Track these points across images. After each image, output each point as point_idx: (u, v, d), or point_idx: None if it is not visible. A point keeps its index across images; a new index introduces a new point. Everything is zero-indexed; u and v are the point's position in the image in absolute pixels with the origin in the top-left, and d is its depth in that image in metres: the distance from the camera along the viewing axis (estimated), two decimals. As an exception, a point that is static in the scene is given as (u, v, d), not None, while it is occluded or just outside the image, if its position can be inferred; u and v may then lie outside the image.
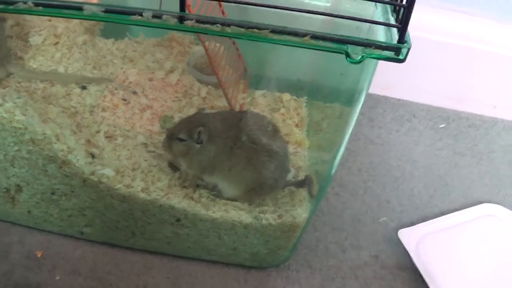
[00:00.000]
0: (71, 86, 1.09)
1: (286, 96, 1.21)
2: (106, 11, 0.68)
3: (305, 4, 0.97)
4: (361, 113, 0.85)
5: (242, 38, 0.70)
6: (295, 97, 1.22)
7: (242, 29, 0.67)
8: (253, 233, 0.99)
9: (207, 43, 0.98)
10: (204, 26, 0.68)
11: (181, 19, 0.68)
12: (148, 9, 0.67)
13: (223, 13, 1.02)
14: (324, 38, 0.67)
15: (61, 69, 1.11)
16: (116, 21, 0.71)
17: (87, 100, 1.09)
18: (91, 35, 1.20)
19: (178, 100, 1.14)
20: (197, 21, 0.67)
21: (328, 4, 0.91)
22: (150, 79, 1.16)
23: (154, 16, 0.67)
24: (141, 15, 0.67)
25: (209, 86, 1.17)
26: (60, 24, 1.15)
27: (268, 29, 0.67)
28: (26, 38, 1.14)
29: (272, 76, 1.21)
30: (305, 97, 1.22)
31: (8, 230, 1.10)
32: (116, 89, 1.12)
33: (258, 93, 1.20)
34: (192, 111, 1.11)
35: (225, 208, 0.98)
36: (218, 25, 0.67)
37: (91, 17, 0.70)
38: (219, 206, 0.98)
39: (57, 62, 1.12)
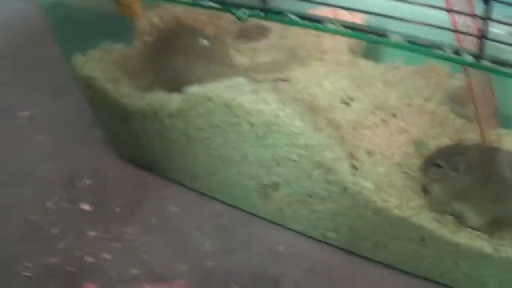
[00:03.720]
0: (335, 101, 1.32)
1: None
2: (410, 42, 0.86)
3: None
4: None
5: None
6: None
7: None
8: (490, 263, 1.11)
9: (470, 78, 1.18)
10: (498, 67, 0.83)
11: (478, 58, 0.83)
12: (448, 45, 0.84)
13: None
14: None
15: (326, 84, 1.36)
16: (421, 53, 0.92)
17: (350, 116, 1.29)
18: (354, 55, 1.44)
19: (433, 128, 1.30)
20: (493, 61, 0.83)
21: None
22: (408, 105, 1.35)
23: (454, 52, 0.85)
24: (441, 49, 0.85)
25: (463, 119, 1.33)
26: (327, 41, 1.39)
27: None
28: (292, 50, 1.40)
29: None
30: None
31: (253, 222, 1.32)
32: (376, 109, 1.33)
33: (503, 131, 1.33)
34: (445, 140, 1.26)
35: (469, 236, 1.12)
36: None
37: (396, 46, 0.88)
38: (464, 233, 1.12)
39: (322, 76, 1.37)
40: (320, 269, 1.24)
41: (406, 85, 1.37)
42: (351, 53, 1.42)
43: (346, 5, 1.07)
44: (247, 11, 0.96)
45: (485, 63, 0.83)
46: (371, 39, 0.92)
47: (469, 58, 0.84)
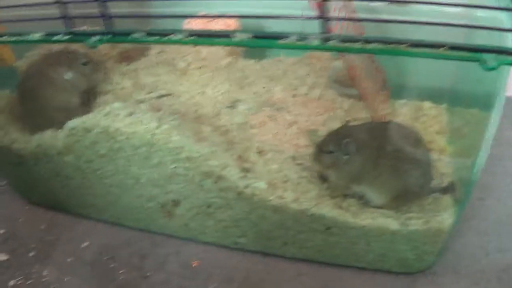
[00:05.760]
0: (220, 107, 1.31)
1: (427, 104, 1.34)
2: (255, 37, 0.85)
3: (436, 12, 1.13)
4: (504, 116, 0.98)
5: (383, 54, 0.87)
6: (435, 104, 1.34)
7: (382, 45, 0.79)
8: (400, 239, 1.11)
9: (346, 57, 1.17)
10: (348, 45, 0.81)
11: (326, 40, 0.82)
12: (293, 33, 0.82)
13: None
14: (459, 48, 0.77)
15: (208, 91, 1.34)
16: (265, 45, 0.91)
17: (236, 118, 1.28)
18: (234, 58, 1.42)
19: (322, 114, 1.29)
20: (341, 40, 0.81)
21: (459, 10, 1.06)
22: (294, 96, 1.34)
23: (299, 39, 0.83)
24: (287, 38, 0.83)
25: (351, 99, 1.32)
26: (204, 49, 1.38)
27: (407, 43, 0.78)
28: (172, 63, 1.38)
29: (412, 85, 1.33)
30: (445, 104, 1.34)
31: (165, 242, 1.30)
32: (262, 107, 1.31)
33: (400, 102, 1.33)
34: (336, 124, 1.25)
35: (373, 215, 1.11)
36: (360, 42, 0.80)
37: (240, 43, 0.86)
38: (367, 214, 1.11)
39: (204, 84, 1.36)
40: (238, 276, 1.23)
41: (289, 77, 1.37)
42: (230, 56, 1.40)
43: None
44: (96, 38, 0.94)
45: (332, 43, 0.82)
46: (216, 43, 0.93)
47: (316, 42, 0.83)
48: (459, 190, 1.13)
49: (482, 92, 1.04)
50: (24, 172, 1.32)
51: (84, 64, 1.31)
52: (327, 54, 1.43)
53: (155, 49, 1.42)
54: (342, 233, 1.14)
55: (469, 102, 1.20)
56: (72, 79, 1.28)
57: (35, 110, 1.28)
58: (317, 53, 1.42)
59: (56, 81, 1.28)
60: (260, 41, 0.86)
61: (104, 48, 1.45)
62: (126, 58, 1.43)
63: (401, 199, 1.14)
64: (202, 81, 1.35)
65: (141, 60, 1.43)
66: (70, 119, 1.18)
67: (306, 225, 1.14)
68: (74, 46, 1.33)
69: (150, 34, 0.90)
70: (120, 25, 0.92)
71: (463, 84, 1.24)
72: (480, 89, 1.06)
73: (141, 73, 1.39)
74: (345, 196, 1.16)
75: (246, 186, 1.12)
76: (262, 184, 1.13)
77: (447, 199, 1.14)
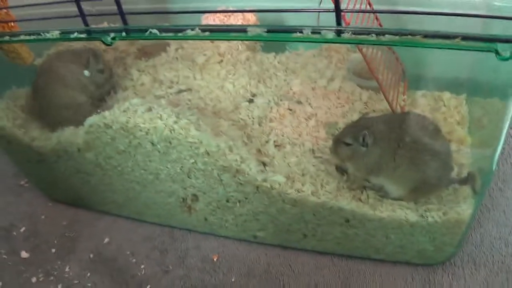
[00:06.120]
0: (239, 101, 1.31)
1: (446, 95, 1.33)
2: (268, 31, 0.85)
3: (454, 3, 1.13)
4: None
5: (397, 45, 0.86)
6: (454, 95, 1.33)
7: (397, 37, 0.79)
8: (419, 231, 1.11)
9: (364, 50, 1.16)
10: (361, 37, 0.81)
11: (339, 33, 0.82)
12: (307, 26, 0.82)
13: (377, 19, 1.21)
14: (473, 38, 0.77)
15: (227, 86, 1.35)
16: (279, 39, 0.90)
17: (255, 112, 1.28)
18: (252, 52, 1.42)
19: (341, 107, 1.29)
20: (354, 33, 0.81)
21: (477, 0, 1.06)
22: (313, 89, 1.33)
23: (313, 32, 0.83)
24: (301, 32, 0.83)
25: (370, 91, 1.31)
26: (223, 43, 1.38)
27: (421, 34, 0.78)
28: (191, 58, 1.39)
29: (431, 76, 1.33)
30: (465, 95, 1.33)
31: (185, 236, 1.31)
32: (281, 100, 1.32)
33: (418, 93, 1.32)
34: (355, 116, 1.25)
35: (392, 207, 1.11)
36: (373, 35, 0.80)
37: (255, 38, 0.87)
38: (386, 206, 1.11)
39: (223, 79, 1.37)
40: (258, 270, 1.23)
41: (308, 70, 1.37)
42: (249, 50, 1.40)
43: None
44: (112, 35, 0.95)
45: (346, 35, 0.82)
46: (230, 38, 0.92)
47: (330, 35, 0.83)
48: (478, 181, 1.12)
49: (501, 81, 1.03)
50: (45, 169, 1.33)
51: (100, 71, 1.33)
52: (345, 46, 1.43)
53: (174, 45, 1.42)
54: (361, 226, 1.13)
55: (488, 92, 1.19)
56: (85, 77, 1.29)
57: (47, 107, 1.28)
58: (336, 46, 1.42)
59: (67, 79, 1.28)
60: (274, 35, 0.86)
61: (122, 44, 1.46)
62: (145, 54, 1.44)
63: (420, 191, 1.13)
64: (221, 76, 1.35)
65: (160, 55, 1.43)
66: (84, 117, 1.19)
67: (325, 217, 1.14)
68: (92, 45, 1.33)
69: (164, 30, 0.91)
70: (141, 21, 0.93)
71: (482, 74, 1.23)
72: (499, 79, 1.05)
73: (160, 69, 1.40)
74: (364, 188, 1.15)
75: (265, 180, 1.12)
76: (280, 178, 1.13)
77: (466, 190, 1.13)
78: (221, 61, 1.37)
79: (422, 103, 1.30)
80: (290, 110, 1.30)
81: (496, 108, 1.10)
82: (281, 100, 1.32)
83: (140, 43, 1.45)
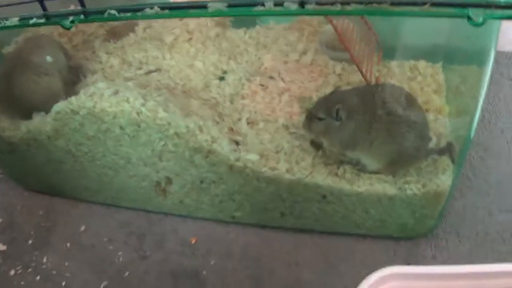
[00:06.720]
0: (209, 79, 1.28)
1: (422, 64, 1.30)
2: (229, 6, 0.81)
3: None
4: (499, 74, 0.94)
5: (363, 14, 0.83)
6: (430, 63, 1.31)
7: (362, 6, 0.75)
8: (398, 204, 1.09)
9: (335, 21, 1.13)
10: (325, 8, 0.78)
11: (302, 4, 0.78)
12: None
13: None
14: (443, 4, 0.73)
15: (197, 64, 1.31)
16: (240, 14, 0.87)
17: (226, 90, 1.25)
18: (222, 28, 1.38)
19: (314, 80, 1.27)
20: (317, 3, 0.77)
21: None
22: (285, 63, 1.31)
23: (276, 4, 0.79)
24: (263, 5, 0.79)
25: (344, 63, 1.29)
26: (191, 21, 1.35)
27: (386, 2, 0.74)
28: (160, 37, 1.35)
29: (406, 45, 1.29)
30: (441, 63, 1.30)
31: (161, 220, 1.28)
32: (253, 76, 1.28)
33: (393, 63, 1.30)
34: (329, 89, 1.22)
35: (370, 181, 1.09)
36: (338, 4, 0.76)
37: (216, 14, 0.82)
38: (364, 180, 1.09)
39: (193, 57, 1.33)
40: (237, 250, 1.21)
41: (280, 44, 1.34)
42: (219, 26, 1.37)
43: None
44: (70, 19, 0.92)
45: (310, 7, 0.78)
46: (190, 15, 0.88)
47: (293, 7, 0.79)
48: (456, 150, 1.10)
49: (477, 48, 1.01)
50: (17, 159, 1.30)
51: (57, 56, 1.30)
52: (317, 19, 1.39)
53: (142, 24, 1.39)
54: (339, 201, 1.12)
55: (465, 59, 1.17)
56: (48, 62, 1.25)
57: (19, 96, 1.25)
58: (308, 18, 1.39)
59: (32, 65, 1.25)
60: (235, 10, 0.82)
61: (91, 26, 1.42)
62: (114, 35, 1.40)
63: (398, 163, 1.11)
64: (190, 54, 1.32)
65: (129, 36, 1.40)
66: (51, 103, 1.16)
67: (301, 195, 1.12)
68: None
69: (122, 10, 0.88)
70: (108, 2, 0.89)
71: (458, 40, 1.20)
72: (474, 45, 1.02)
73: (128, 50, 1.36)
74: (341, 163, 1.13)
75: (238, 159, 1.10)
76: (254, 156, 1.11)
77: (445, 160, 1.12)
78: (190, 39, 1.33)
79: (397, 73, 1.28)
80: (262, 86, 1.27)
81: (473, 74, 1.08)
82: (252, 76, 1.29)
83: (109, 24, 1.41)
